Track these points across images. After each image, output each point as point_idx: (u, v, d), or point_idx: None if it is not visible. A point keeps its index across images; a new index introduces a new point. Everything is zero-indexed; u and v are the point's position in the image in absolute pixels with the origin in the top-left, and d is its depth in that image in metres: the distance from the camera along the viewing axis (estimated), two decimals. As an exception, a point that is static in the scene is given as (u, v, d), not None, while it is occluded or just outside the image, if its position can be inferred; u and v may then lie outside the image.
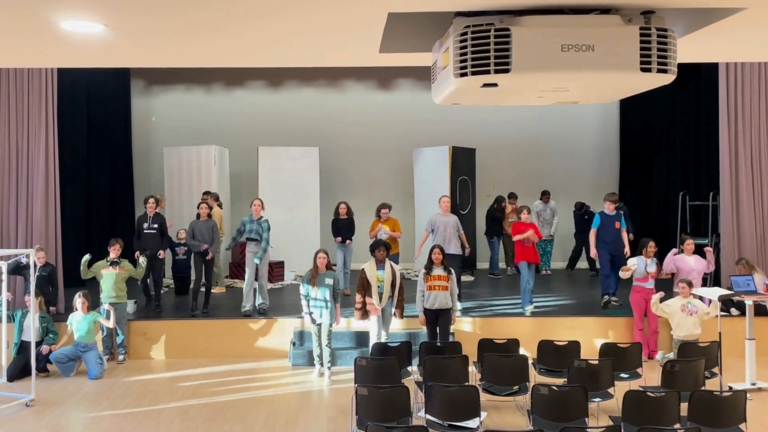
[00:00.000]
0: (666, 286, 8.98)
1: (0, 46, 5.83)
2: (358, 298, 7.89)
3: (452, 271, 7.95)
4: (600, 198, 13.08)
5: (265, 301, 9.52)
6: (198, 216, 9.87)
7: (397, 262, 9.88)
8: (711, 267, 9.08)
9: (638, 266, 8.66)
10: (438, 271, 7.83)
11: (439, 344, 7.25)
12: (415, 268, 12.63)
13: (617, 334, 8.74)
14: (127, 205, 13.75)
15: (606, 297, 9.53)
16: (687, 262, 8.87)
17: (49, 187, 9.61)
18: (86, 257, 8.73)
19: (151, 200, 9.98)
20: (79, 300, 8.20)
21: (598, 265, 10.60)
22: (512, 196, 12.93)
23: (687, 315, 7.77)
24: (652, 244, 8.75)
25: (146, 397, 7.44)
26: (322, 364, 7.91)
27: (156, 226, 9.87)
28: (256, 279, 9.56)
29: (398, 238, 10.29)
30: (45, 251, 9.08)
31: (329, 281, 7.85)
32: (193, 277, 10.05)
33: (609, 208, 9.64)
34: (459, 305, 8.13)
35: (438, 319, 7.86)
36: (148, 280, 10.11)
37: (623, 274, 8.74)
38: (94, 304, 8.59)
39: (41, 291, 8.54)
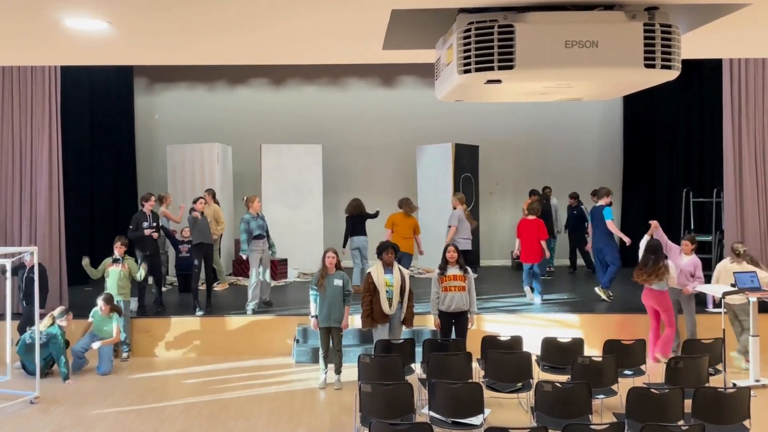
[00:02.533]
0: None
1: (4, 44, 5.83)
2: (365, 304, 7.45)
3: (468, 270, 7.59)
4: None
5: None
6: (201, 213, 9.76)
7: (410, 262, 9.88)
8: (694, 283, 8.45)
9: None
10: (453, 270, 7.48)
11: (442, 341, 7.21)
12: (418, 264, 12.62)
13: (621, 331, 8.72)
14: (131, 202, 13.72)
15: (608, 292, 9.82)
16: (678, 259, 8.52)
17: (53, 185, 9.63)
18: (85, 261, 8.76)
19: (153, 198, 9.73)
20: (101, 302, 8.23)
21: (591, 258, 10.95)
22: (534, 193, 12.87)
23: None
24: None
25: (150, 394, 7.45)
26: (326, 366, 7.66)
27: (155, 225, 9.62)
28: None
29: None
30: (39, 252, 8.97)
31: (338, 282, 7.55)
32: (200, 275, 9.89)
33: (608, 201, 10.05)
34: (476, 307, 7.70)
35: (455, 322, 7.50)
36: (150, 280, 9.72)
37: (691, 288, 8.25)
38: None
39: (27, 294, 8.26)
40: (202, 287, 9.80)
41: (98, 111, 12.60)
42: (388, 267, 7.48)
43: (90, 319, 8.33)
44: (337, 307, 7.55)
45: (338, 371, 7.65)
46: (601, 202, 10.15)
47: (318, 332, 7.75)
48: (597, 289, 9.99)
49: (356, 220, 10.74)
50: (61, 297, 9.64)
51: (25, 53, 6.28)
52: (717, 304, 8.71)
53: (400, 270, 7.51)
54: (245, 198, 9.98)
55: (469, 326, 7.57)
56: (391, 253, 7.49)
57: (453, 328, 7.56)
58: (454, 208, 10.71)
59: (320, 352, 7.73)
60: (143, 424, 6.54)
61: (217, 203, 11.56)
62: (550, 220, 12.54)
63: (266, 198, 12.61)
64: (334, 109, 14.14)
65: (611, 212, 9.98)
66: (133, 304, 9.32)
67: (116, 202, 13.29)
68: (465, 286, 7.48)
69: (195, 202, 9.90)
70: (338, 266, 7.67)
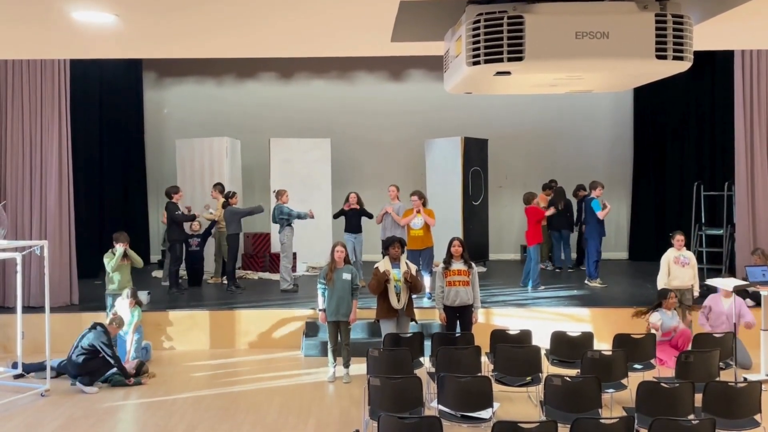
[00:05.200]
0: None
1: (12, 37, 5.84)
2: (377, 297, 7.39)
3: (473, 264, 7.56)
4: (612, 188, 13.17)
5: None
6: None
7: (432, 256, 9.82)
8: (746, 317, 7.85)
9: (663, 321, 7.61)
10: (458, 265, 7.45)
11: (451, 335, 7.18)
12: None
13: (631, 325, 8.67)
14: (140, 196, 13.83)
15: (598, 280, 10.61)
16: (721, 304, 7.92)
17: (63, 178, 9.66)
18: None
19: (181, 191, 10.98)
20: (128, 297, 8.26)
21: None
22: (548, 187, 12.82)
23: (680, 266, 8.30)
24: (673, 294, 7.80)
25: (160, 387, 7.48)
26: (335, 359, 7.68)
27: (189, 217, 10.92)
28: None
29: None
30: (49, 246, 8.93)
31: (347, 276, 7.54)
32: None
33: (600, 193, 10.69)
34: (480, 302, 7.67)
35: (459, 316, 7.49)
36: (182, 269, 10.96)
37: (656, 332, 7.48)
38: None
39: None
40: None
41: (107, 105, 12.65)
42: (395, 261, 7.42)
43: (114, 306, 8.31)
44: (345, 301, 7.54)
45: (347, 365, 7.65)
46: (593, 194, 10.70)
47: (326, 326, 7.75)
48: (587, 282, 10.73)
49: (351, 213, 10.90)
50: (71, 290, 9.68)
51: (34, 46, 6.29)
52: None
53: (407, 264, 7.47)
54: (276, 191, 10.98)
55: (473, 321, 7.53)
56: (398, 247, 7.43)
57: (458, 323, 7.53)
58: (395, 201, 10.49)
59: (329, 345, 7.73)
60: (153, 417, 6.57)
61: (225, 197, 11.62)
62: (570, 213, 12.56)
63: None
64: (343, 102, 14.12)
65: (598, 205, 10.58)
66: (144, 297, 9.36)
67: (126, 195, 13.37)
68: (469, 281, 7.43)
69: (232, 196, 10.96)
70: (347, 260, 7.67)
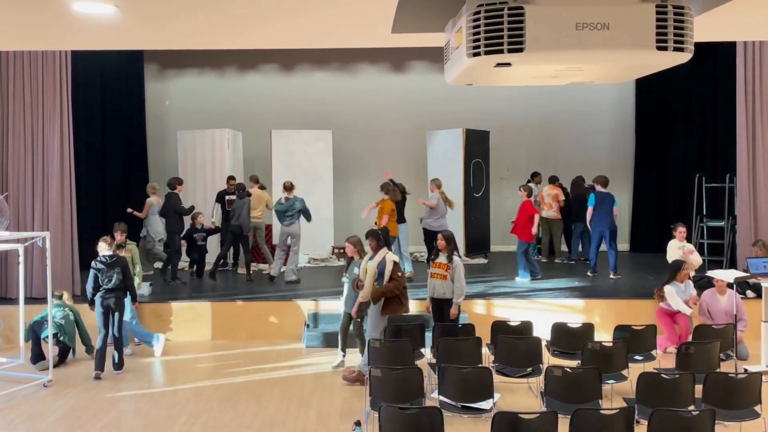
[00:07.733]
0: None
1: (13, 29, 5.84)
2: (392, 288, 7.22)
3: (455, 259, 7.45)
4: (614, 180, 13.11)
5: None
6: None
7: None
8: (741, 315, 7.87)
9: (677, 294, 7.86)
10: (441, 258, 7.52)
11: (452, 327, 7.20)
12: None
13: (632, 317, 8.69)
14: (142, 188, 13.80)
15: (594, 271, 10.79)
16: (717, 301, 8.03)
17: (65, 170, 9.67)
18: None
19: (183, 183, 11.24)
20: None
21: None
22: (554, 180, 12.78)
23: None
24: (687, 266, 8.08)
25: (161, 378, 7.52)
26: (344, 349, 7.73)
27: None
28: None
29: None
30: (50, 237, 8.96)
31: (357, 270, 7.57)
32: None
33: (602, 188, 10.71)
34: (461, 299, 7.46)
35: (442, 308, 7.51)
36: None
37: (686, 308, 7.80)
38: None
39: None
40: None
41: (109, 97, 12.64)
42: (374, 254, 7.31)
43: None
44: (355, 294, 7.52)
45: (363, 352, 7.58)
46: (598, 189, 10.74)
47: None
48: (589, 274, 10.84)
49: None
50: (73, 281, 9.70)
51: (35, 38, 6.28)
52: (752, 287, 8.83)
53: (368, 263, 7.24)
54: (288, 184, 10.85)
55: (451, 315, 7.39)
56: (370, 239, 7.37)
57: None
58: (431, 192, 10.99)
59: (339, 334, 7.76)
60: (155, 407, 6.60)
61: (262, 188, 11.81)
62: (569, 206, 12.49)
63: (277, 184, 12.62)
64: (345, 94, 14.08)
65: (593, 200, 10.65)
66: (145, 289, 9.39)
67: (127, 187, 13.35)
68: (447, 275, 7.40)
69: (242, 189, 11.00)
70: (361, 254, 7.59)
